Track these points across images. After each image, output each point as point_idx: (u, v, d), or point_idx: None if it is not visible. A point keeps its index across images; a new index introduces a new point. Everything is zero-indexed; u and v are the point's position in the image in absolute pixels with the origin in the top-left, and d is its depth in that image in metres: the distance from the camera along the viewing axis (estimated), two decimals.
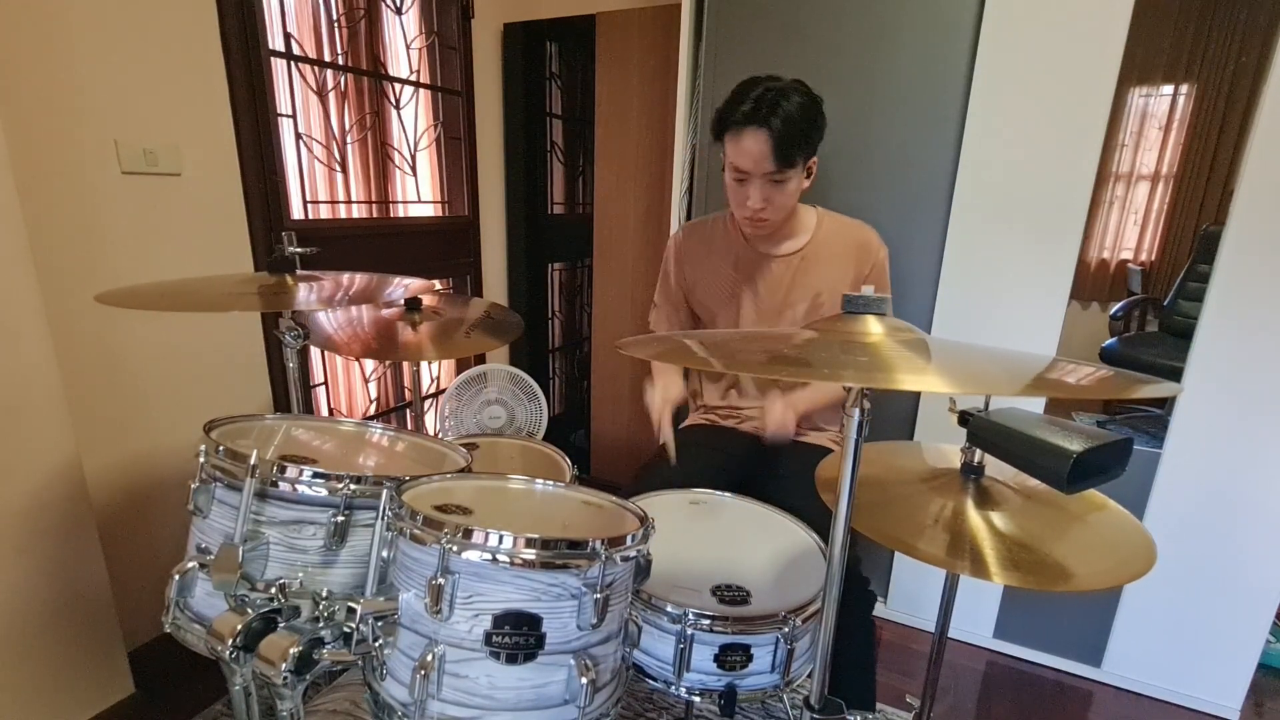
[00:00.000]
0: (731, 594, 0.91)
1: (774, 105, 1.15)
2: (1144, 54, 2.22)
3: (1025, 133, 1.48)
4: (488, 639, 0.69)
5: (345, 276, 1.22)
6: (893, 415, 1.75)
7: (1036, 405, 1.60)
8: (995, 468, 0.85)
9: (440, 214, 2.32)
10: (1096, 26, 1.38)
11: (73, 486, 1.27)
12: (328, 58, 1.87)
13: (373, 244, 2.02)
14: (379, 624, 0.71)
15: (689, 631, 0.85)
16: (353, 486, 0.78)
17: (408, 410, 2.37)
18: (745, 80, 1.21)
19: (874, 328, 0.73)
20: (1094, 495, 0.88)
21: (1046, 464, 0.69)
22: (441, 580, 0.68)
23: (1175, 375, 1.47)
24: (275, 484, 0.78)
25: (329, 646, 0.72)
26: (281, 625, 0.71)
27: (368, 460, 0.96)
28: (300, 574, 0.79)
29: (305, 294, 1.08)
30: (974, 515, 0.79)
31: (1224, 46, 2.16)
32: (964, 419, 0.81)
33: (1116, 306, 2.49)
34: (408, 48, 2.10)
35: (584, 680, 0.70)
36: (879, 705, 1.51)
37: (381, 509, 0.77)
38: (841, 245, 1.36)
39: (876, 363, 0.65)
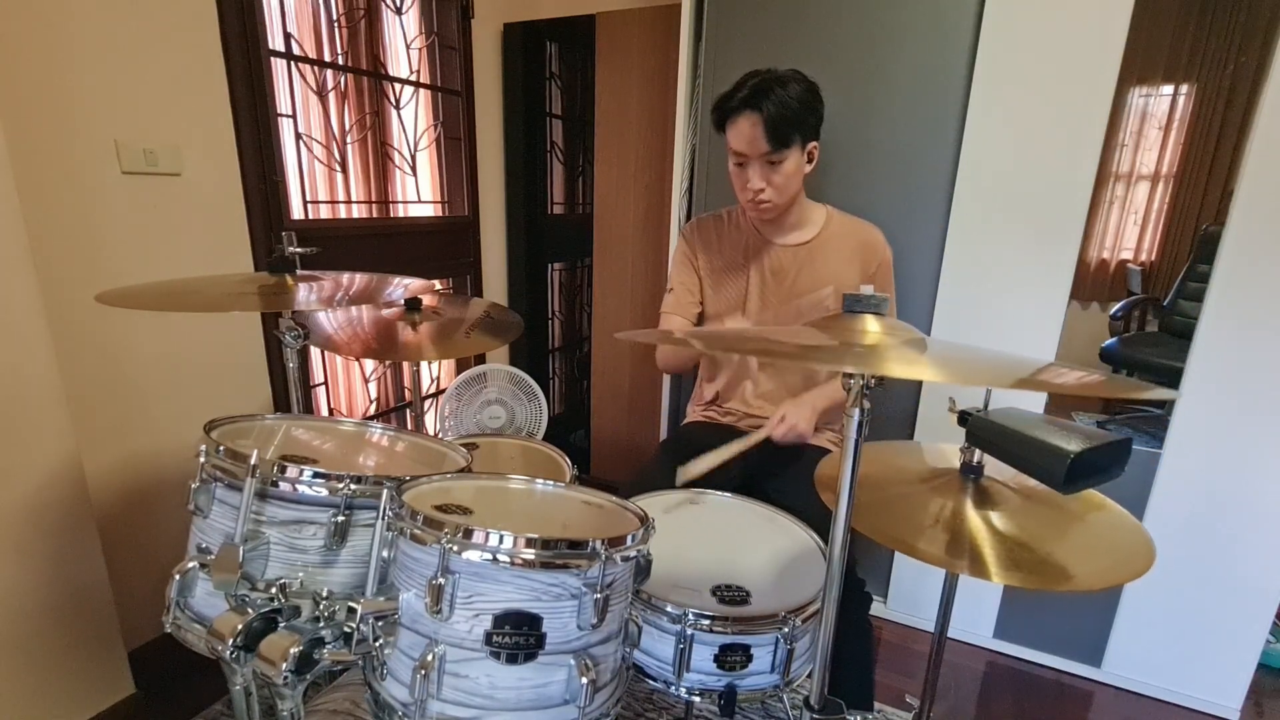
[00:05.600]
0: (731, 594, 0.91)
1: (766, 90, 1.21)
2: (1144, 54, 2.22)
3: (1025, 132, 1.48)
4: (488, 639, 0.69)
5: (345, 276, 1.22)
6: (893, 415, 1.75)
7: (1037, 404, 1.60)
8: (995, 468, 0.85)
9: (440, 214, 2.32)
10: (1096, 26, 1.38)
11: (73, 486, 1.27)
12: (328, 58, 1.87)
13: (373, 244, 2.02)
14: (379, 624, 0.71)
15: (689, 631, 0.85)
16: (353, 486, 0.78)
17: (408, 410, 2.37)
18: (745, 73, 1.26)
19: (872, 327, 0.73)
20: (1094, 495, 0.88)
21: (1044, 464, 0.69)
22: (442, 580, 0.68)
23: (1175, 375, 1.47)
24: (275, 484, 0.78)
25: (329, 646, 0.72)
26: (282, 625, 0.71)
27: (368, 460, 0.96)
28: (300, 574, 0.79)
29: (305, 294, 1.08)
30: (973, 515, 0.79)
31: (1224, 46, 2.16)
32: (963, 419, 0.81)
33: (1116, 306, 2.48)
34: (408, 48, 2.10)
35: (584, 680, 0.70)
36: (879, 705, 1.51)
37: (382, 509, 0.77)
38: (849, 243, 1.40)
39: (874, 355, 0.65)
